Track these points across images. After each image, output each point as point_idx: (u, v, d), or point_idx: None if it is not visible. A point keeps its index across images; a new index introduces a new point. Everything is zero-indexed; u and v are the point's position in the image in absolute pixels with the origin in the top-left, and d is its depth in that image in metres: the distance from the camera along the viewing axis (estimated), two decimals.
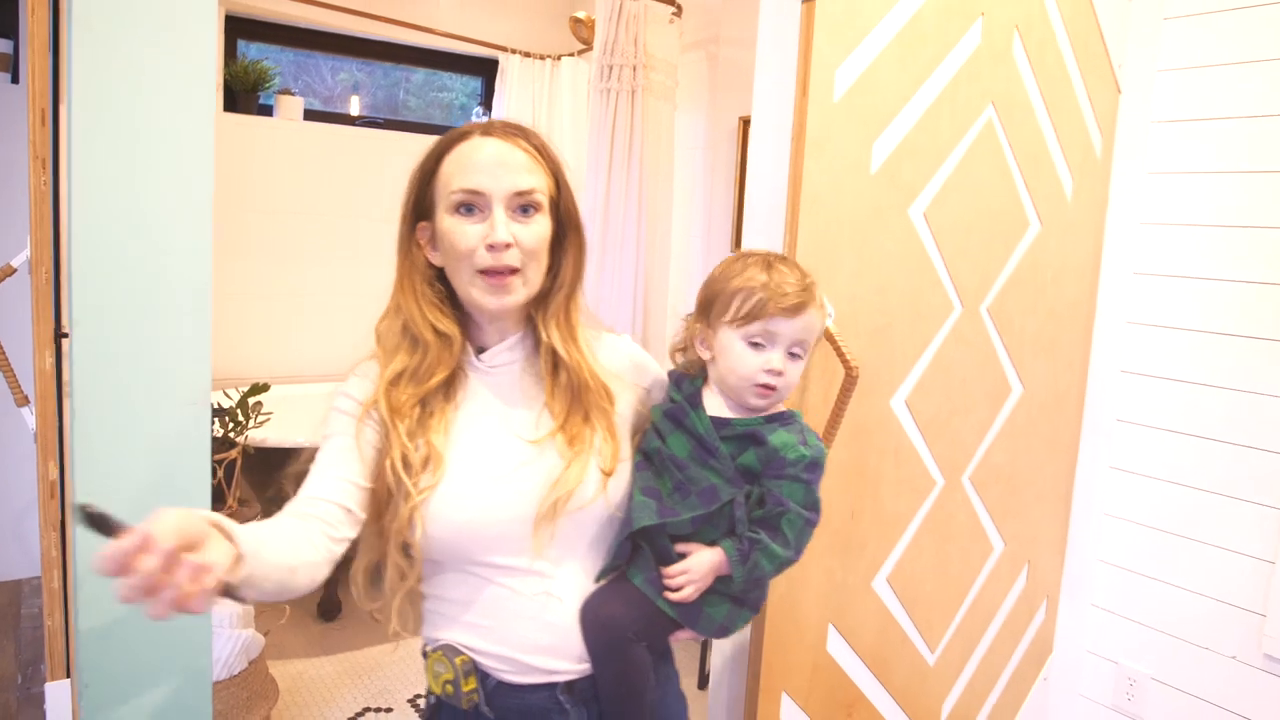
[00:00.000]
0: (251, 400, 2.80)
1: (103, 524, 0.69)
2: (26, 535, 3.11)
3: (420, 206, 1.10)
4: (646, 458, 1.15)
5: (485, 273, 1.04)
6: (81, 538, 0.97)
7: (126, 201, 0.98)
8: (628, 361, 1.21)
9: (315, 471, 1.06)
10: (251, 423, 2.80)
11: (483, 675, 1.06)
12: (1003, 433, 1.93)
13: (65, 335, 1.69)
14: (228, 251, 3.43)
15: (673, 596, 1.08)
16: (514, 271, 1.05)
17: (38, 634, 2.78)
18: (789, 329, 1.11)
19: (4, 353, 1.83)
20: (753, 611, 1.15)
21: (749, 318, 1.12)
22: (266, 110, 3.70)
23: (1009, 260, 1.86)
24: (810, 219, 1.48)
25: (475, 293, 1.05)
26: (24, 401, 1.78)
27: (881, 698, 1.76)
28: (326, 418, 1.09)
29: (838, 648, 1.66)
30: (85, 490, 0.97)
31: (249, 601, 0.91)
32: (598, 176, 3.18)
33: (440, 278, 1.10)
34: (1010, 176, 1.82)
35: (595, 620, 1.07)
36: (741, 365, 1.12)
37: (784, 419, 1.13)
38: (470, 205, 1.04)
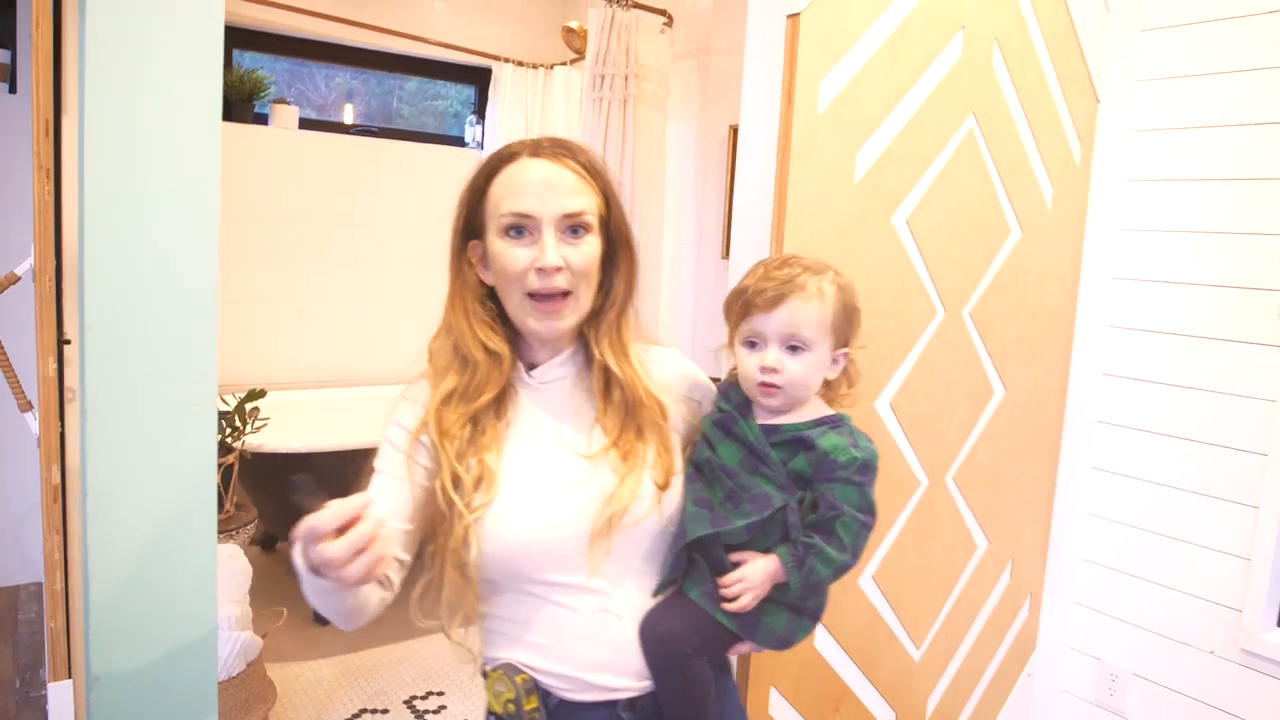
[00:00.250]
0: (249, 406, 2.83)
1: (308, 493, 0.76)
2: (23, 541, 3.13)
3: (471, 225, 1.10)
4: (697, 468, 1.14)
5: (535, 297, 1.04)
6: (92, 541, 1.00)
7: (136, 210, 1.02)
8: (677, 374, 1.21)
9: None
10: (249, 428, 2.84)
11: (544, 693, 1.05)
12: (985, 434, 1.97)
13: (68, 341, 1.73)
14: (224, 259, 3.44)
15: (730, 606, 1.07)
16: (564, 295, 1.04)
17: (35, 639, 2.80)
18: (771, 324, 1.10)
19: (8, 358, 1.86)
20: (813, 621, 1.13)
21: (738, 319, 1.14)
22: (262, 119, 3.73)
23: (991, 266, 1.91)
24: (796, 226, 1.52)
25: (525, 316, 1.05)
26: (27, 407, 1.81)
27: (868, 693, 1.80)
28: (380, 449, 1.09)
29: (825, 644, 1.70)
30: (94, 493, 1.01)
31: (330, 609, 0.97)
32: None
33: (492, 295, 1.10)
34: (991, 184, 1.87)
35: (655, 637, 1.06)
36: (742, 367, 1.13)
37: (833, 422, 1.13)
38: (520, 228, 1.04)
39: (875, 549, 1.76)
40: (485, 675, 1.11)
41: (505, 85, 4.05)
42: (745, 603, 1.06)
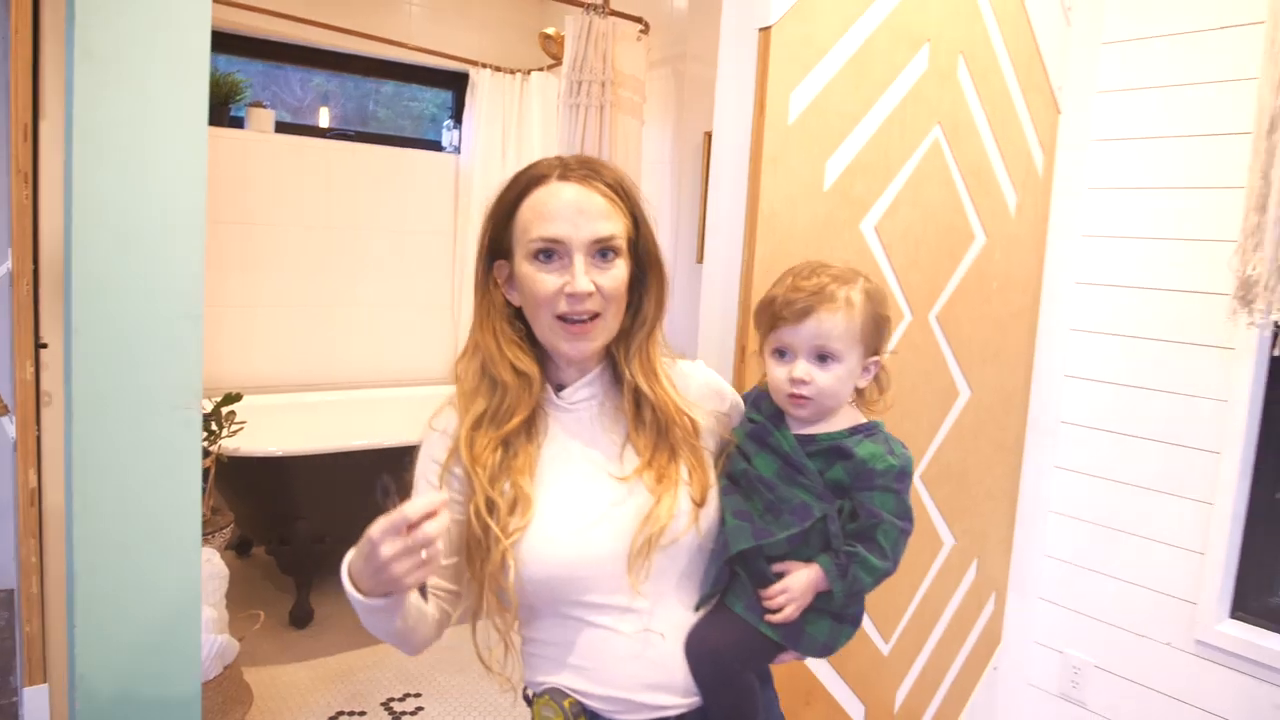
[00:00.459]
0: (225, 410, 2.83)
1: (390, 494, 0.87)
2: None
3: (497, 246, 1.09)
4: (733, 480, 1.13)
5: (565, 320, 1.03)
6: (77, 543, 1.02)
7: (123, 215, 1.04)
8: (706, 388, 1.20)
9: None
10: (225, 432, 2.84)
11: (592, 716, 1.05)
12: (952, 434, 2.03)
13: (44, 345, 1.74)
14: None
15: (774, 618, 1.07)
16: (594, 317, 1.04)
17: (4, 645, 2.78)
18: (799, 336, 1.10)
19: None
20: (854, 627, 1.13)
21: (767, 329, 1.14)
22: (238, 122, 3.73)
23: (956, 271, 1.97)
24: (768, 233, 1.57)
25: (554, 339, 1.05)
26: (4, 410, 1.82)
27: (838, 687, 1.84)
28: (415, 485, 1.09)
29: None
30: (80, 492, 1.03)
31: (383, 630, 1.00)
32: None
33: (519, 315, 1.10)
34: (957, 192, 1.93)
35: (701, 653, 1.06)
36: (772, 377, 1.13)
37: (868, 430, 1.12)
38: (550, 253, 1.03)
39: None
40: (528, 700, 1.11)
41: (483, 90, 4.07)
42: (789, 613, 1.06)
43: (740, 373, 1.57)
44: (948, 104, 1.86)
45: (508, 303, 1.09)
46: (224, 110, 3.63)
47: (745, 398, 1.23)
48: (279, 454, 2.96)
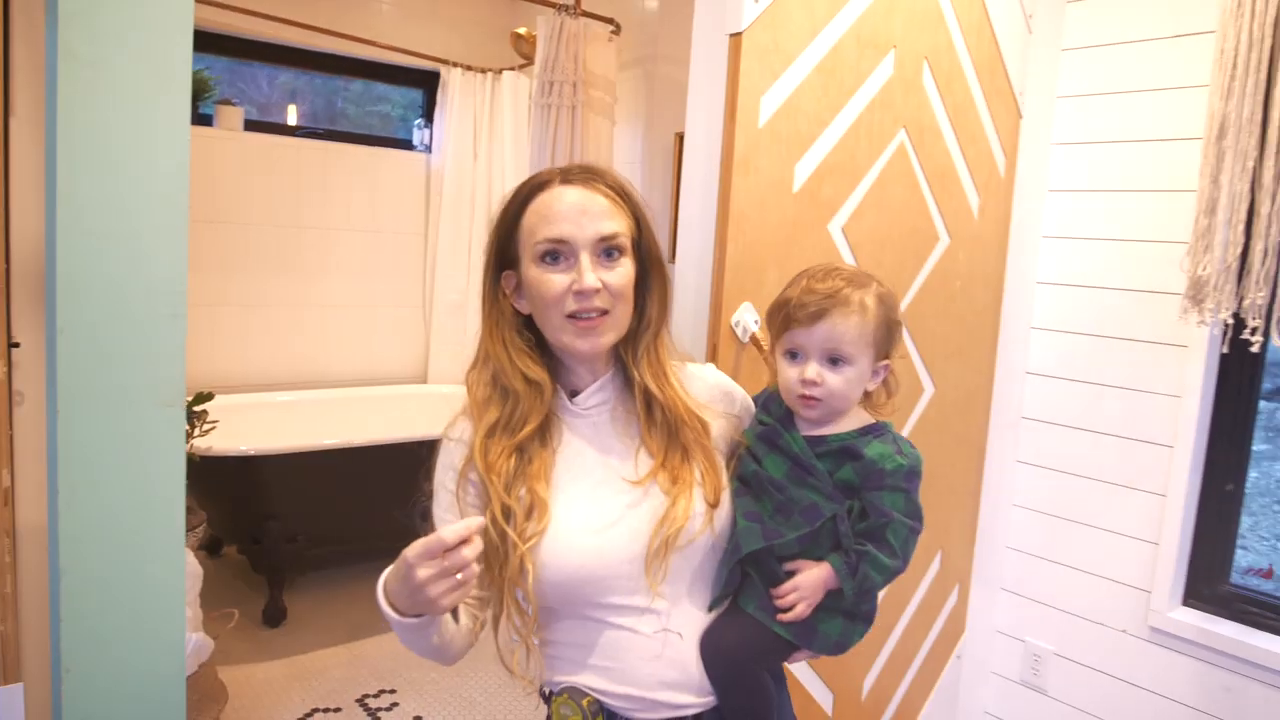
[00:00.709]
0: (196, 409, 2.82)
1: (425, 516, 0.91)
2: None
3: (504, 256, 1.11)
4: (744, 482, 1.14)
5: (574, 317, 1.05)
6: (63, 538, 1.04)
7: (106, 215, 1.06)
8: (716, 390, 1.21)
9: None
10: (196, 431, 2.83)
11: (610, 714, 1.07)
12: (916, 429, 2.09)
13: (16, 344, 1.73)
14: None
15: (786, 617, 1.08)
16: (603, 314, 1.05)
17: None
18: (812, 338, 1.11)
19: None
20: (866, 624, 1.14)
21: (780, 330, 1.15)
22: (206, 120, 3.71)
23: (921, 271, 2.02)
24: (738, 234, 1.61)
25: (566, 338, 1.06)
26: None
27: (808, 676, 1.89)
28: (435, 494, 1.11)
29: None
30: (66, 489, 1.04)
31: (419, 646, 1.02)
32: None
33: (528, 325, 1.11)
34: (921, 194, 1.98)
35: (716, 654, 1.08)
36: (782, 378, 1.14)
37: (876, 431, 1.13)
38: (555, 254, 1.05)
39: None
40: (546, 699, 1.13)
41: (454, 89, 4.08)
42: (800, 611, 1.08)
43: None
44: (913, 109, 1.92)
45: (516, 313, 1.11)
46: (193, 107, 3.60)
47: (755, 399, 1.25)
48: (251, 453, 2.96)
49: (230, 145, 3.68)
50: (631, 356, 1.12)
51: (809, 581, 1.08)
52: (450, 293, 4.20)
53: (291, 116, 4.09)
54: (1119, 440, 2.20)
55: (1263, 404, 2.77)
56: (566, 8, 3.28)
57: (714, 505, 1.09)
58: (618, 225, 1.07)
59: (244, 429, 3.35)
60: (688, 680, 1.07)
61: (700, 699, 1.08)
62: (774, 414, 1.17)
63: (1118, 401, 2.20)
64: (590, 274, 1.03)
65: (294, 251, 3.89)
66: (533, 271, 1.06)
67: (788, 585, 1.08)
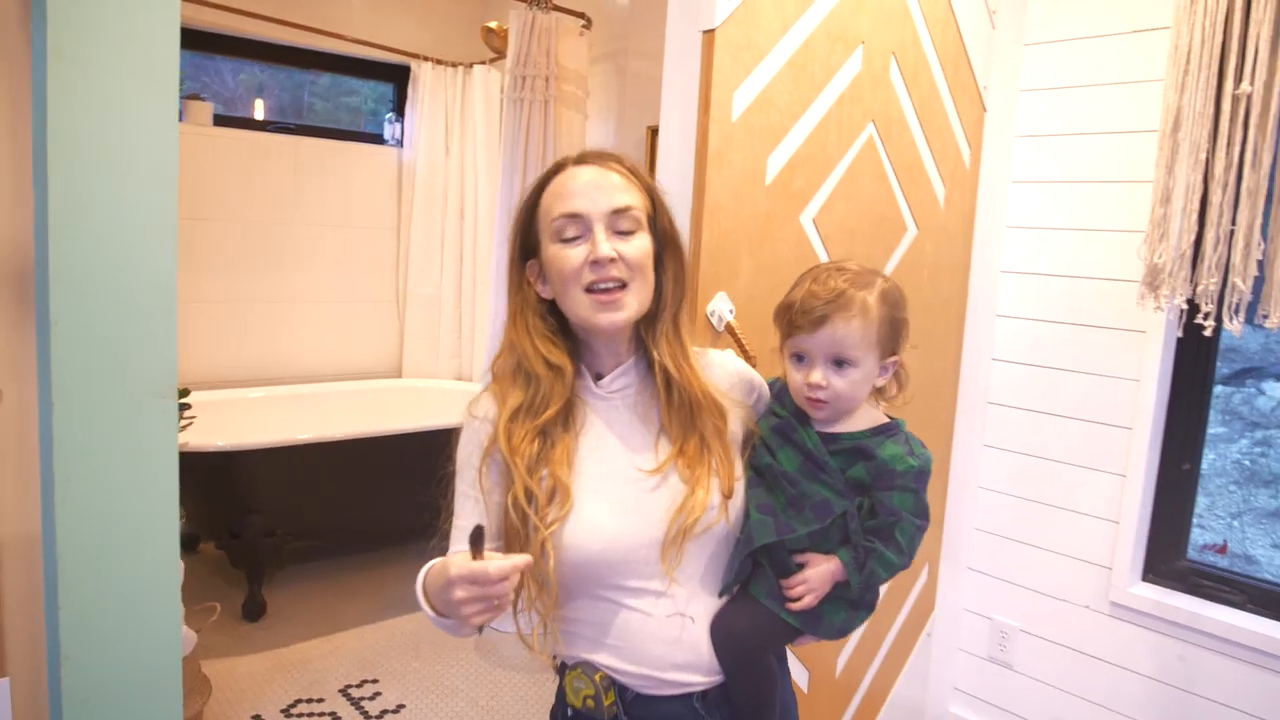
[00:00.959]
0: None
1: (477, 543, 0.92)
2: None
3: (527, 244, 1.14)
4: (758, 472, 1.17)
5: (593, 291, 1.07)
6: (60, 526, 1.06)
7: (98, 212, 1.08)
8: (735, 377, 1.23)
9: (456, 533, 1.13)
10: None
11: (621, 689, 1.10)
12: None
13: None
14: None
15: (795, 606, 1.11)
16: (622, 286, 1.07)
17: None
18: (815, 343, 1.12)
19: None
20: (868, 611, 1.18)
21: (785, 334, 1.17)
22: None
23: (890, 260, 2.08)
24: (713, 225, 1.65)
25: (585, 312, 1.08)
26: None
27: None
28: (459, 469, 1.13)
29: None
30: (62, 481, 1.06)
31: (451, 633, 1.06)
32: (512, 184, 3.30)
33: (552, 311, 1.14)
34: (890, 186, 2.04)
35: (727, 639, 1.11)
36: (790, 379, 1.16)
37: (889, 431, 1.15)
38: (571, 229, 1.07)
39: None
40: (559, 671, 1.17)
41: (425, 84, 4.08)
42: (808, 602, 1.11)
43: None
44: (881, 102, 1.97)
45: (540, 299, 1.13)
46: None
47: (771, 387, 1.27)
48: (227, 448, 2.96)
49: (199, 141, 3.66)
50: (652, 337, 1.14)
51: (818, 575, 1.11)
52: (424, 287, 4.21)
53: (259, 112, 4.06)
54: (1081, 423, 2.27)
55: (1220, 388, 2.87)
56: (538, 2, 3.30)
57: (728, 497, 1.11)
58: (631, 199, 1.09)
59: (219, 425, 3.35)
60: (697, 661, 1.11)
61: (707, 678, 1.12)
62: (788, 407, 1.18)
63: (1079, 386, 2.27)
64: (604, 243, 1.06)
65: (266, 247, 3.88)
66: (551, 250, 1.09)
67: (797, 578, 1.11)
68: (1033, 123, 2.37)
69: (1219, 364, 2.19)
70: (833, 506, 1.11)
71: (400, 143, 4.25)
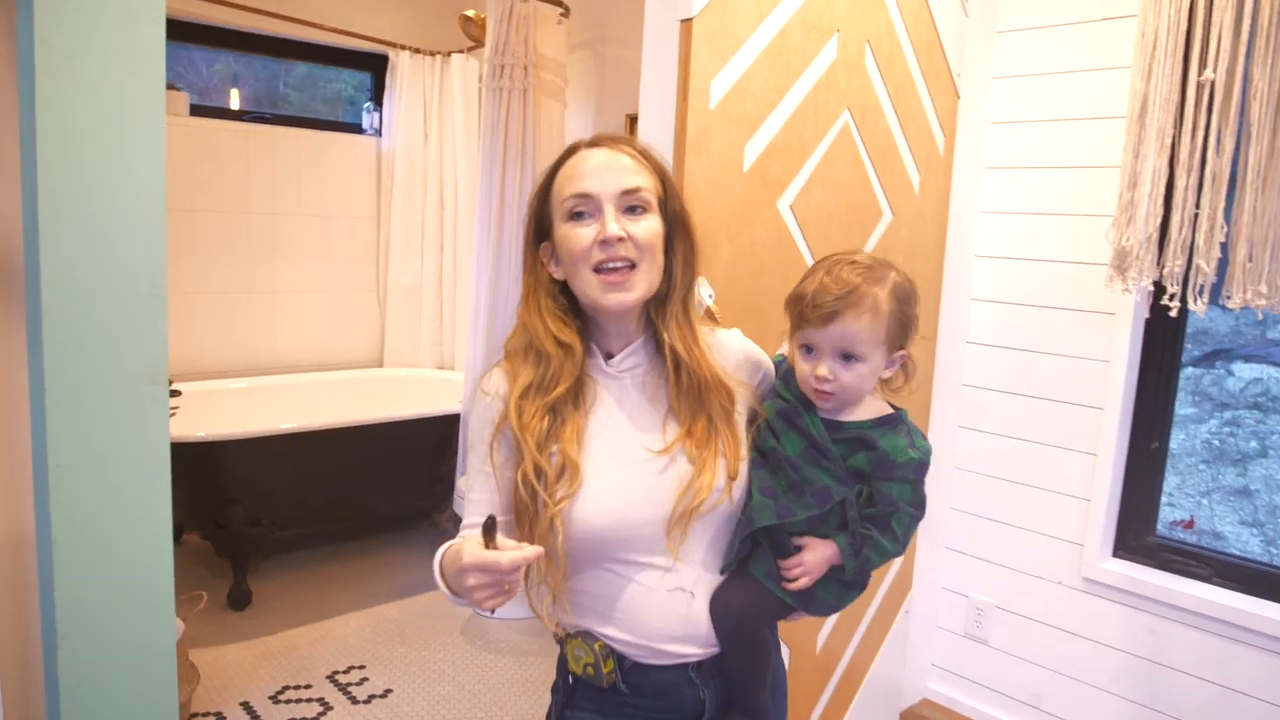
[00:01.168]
0: None
1: (489, 532, 0.94)
2: None
3: (541, 227, 1.16)
4: (761, 454, 1.19)
5: (601, 271, 1.09)
6: (55, 511, 1.08)
7: (89, 202, 1.09)
8: (741, 357, 1.26)
9: (470, 506, 1.15)
10: None
11: (620, 657, 1.14)
12: None
13: None
14: None
15: (791, 586, 1.15)
16: (631, 267, 1.09)
17: None
18: (825, 338, 1.13)
19: None
20: (859, 591, 1.21)
21: (794, 327, 1.18)
22: None
23: (866, 245, 2.11)
24: (691, 211, 1.66)
25: (594, 292, 1.10)
26: None
27: None
28: (471, 444, 1.16)
29: None
30: (55, 465, 1.08)
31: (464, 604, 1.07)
32: (492, 172, 3.31)
33: (564, 291, 1.16)
34: (865, 172, 2.07)
35: (726, 614, 1.15)
36: (798, 369, 1.18)
37: (892, 422, 1.17)
38: (582, 210, 1.10)
39: None
40: (560, 641, 1.20)
41: (403, 73, 4.07)
42: (803, 584, 1.15)
43: None
44: (856, 90, 2.00)
45: (553, 280, 1.16)
46: None
47: (776, 366, 1.29)
48: (210, 438, 2.96)
49: (176, 131, 3.64)
50: (661, 319, 1.16)
51: (815, 558, 1.15)
52: (404, 276, 4.21)
53: (234, 102, 4.04)
54: (1053, 404, 2.33)
55: (1191, 370, 2.93)
56: None
57: (733, 479, 1.14)
58: (641, 180, 1.11)
59: (201, 416, 3.35)
60: (695, 634, 1.15)
61: (703, 650, 1.16)
62: (794, 392, 1.20)
63: (1051, 367, 2.33)
64: (614, 223, 1.08)
65: (245, 238, 3.87)
66: (562, 230, 1.11)
67: (794, 560, 1.15)
68: (1005, 109, 2.41)
69: (1190, 346, 2.25)
70: (833, 493, 1.13)
71: (379, 132, 4.24)
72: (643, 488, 1.12)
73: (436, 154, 4.17)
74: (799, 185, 1.90)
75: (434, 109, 4.15)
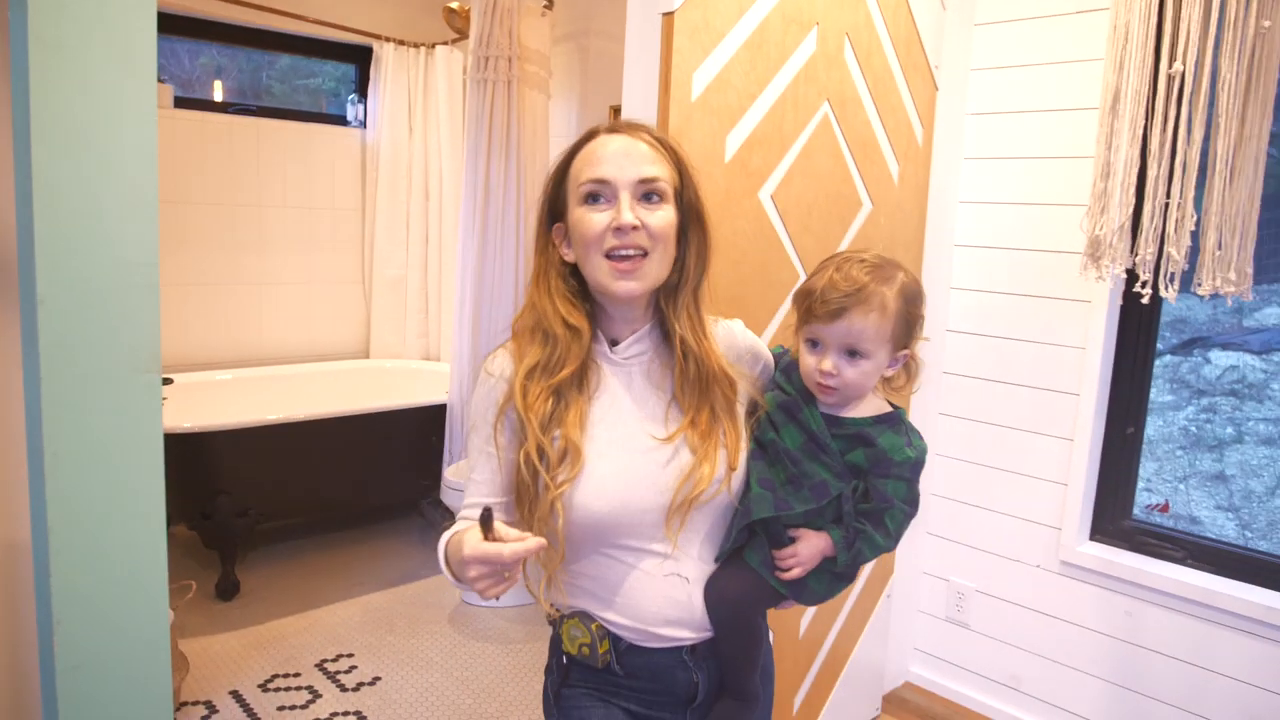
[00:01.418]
0: None
1: (486, 524, 0.95)
2: None
3: (555, 208, 1.17)
4: (760, 446, 1.21)
5: (613, 257, 1.09)
6: (50, 497, 1.10)
7: (82, 194, 1.11)
8: (743, 347, 1.27)
9: (471, 487, 1.16)
10: None
11: (615, 639, 1.16)
12: None
13: None
14: None
15: (784, 576, 1.17)
16: (643, 255, 1.10)
17: None
18: (831, 334, 1.15)
19: None
20: (849, 582, 1.24)
21: (801, 321, 1.19)
22: None
23: (846, 235, 2.15)
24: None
25: (603, 278, 1.10)
26: None
27: None
28: (474, 424, 1.17)
29: None
30: (52, 450, 1.10)
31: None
32: (477, 164, 3.33)
33: (574, 274, 1.16)
34: (845, 163, 2.10)
35: (721, 601, 1.17)
36: (802, 364, 1.19)
37: (891, 420, 1.19)
38: (597, 195, 1.10)
39: None
40: (555, 622, 1.22)
41: (387, 65, 4.07)
42: (796, 574, 1.17)
43: None
44: (835, 82, 2.03)
45: (564, 262, 1.17)
46: None
47: (777, 359, 1.31)
48: (196, 429, 2.97)
49: (161, 123, 3.58)
50: (672, 308, 1.17)
51: (809, 550, 1.17)
52: (390, 268, 4.22)
53: (218, 94, 4.03)
54: (1030, 390, 2.37)
55: (1169, 358, 2.99)
56: None
57: (733, 470, 1.16)
58: (658, 170, 1.12)
59: (188, 407, 3.35)
60: (690, 619, 1.17)
61: (697, 634, 1.18)
62: (795, 385, 1.22)
63: (1029, 354, 2.37)
64: (629, 211, 1.08)
65: (230, 229, 3.87)
66: (577, 213, 1.12)
67: (788, 551, 1.17)
68: (983, 101, 2.45)
69: (1168, 334, 2.29)
70: (830, 488, 1.15)
71: (363, 124, 4.25)
72: (644, 475, 1.13)
73: (421, 146, 4.17)
74: (779, 176, 1.93)
75: (418, 101, 4.16)
